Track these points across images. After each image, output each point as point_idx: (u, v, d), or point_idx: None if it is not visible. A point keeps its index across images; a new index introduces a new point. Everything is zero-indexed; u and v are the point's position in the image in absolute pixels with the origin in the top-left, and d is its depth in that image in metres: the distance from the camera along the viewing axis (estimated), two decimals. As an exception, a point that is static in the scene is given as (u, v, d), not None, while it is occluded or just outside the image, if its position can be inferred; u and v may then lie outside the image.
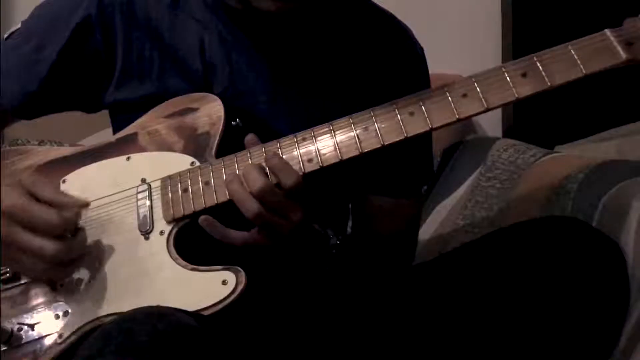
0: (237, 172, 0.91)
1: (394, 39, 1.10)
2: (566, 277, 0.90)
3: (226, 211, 0.94)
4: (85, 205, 0.92)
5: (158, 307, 0.84)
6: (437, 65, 1.27)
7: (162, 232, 0.93)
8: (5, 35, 1.11)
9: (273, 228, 0.89)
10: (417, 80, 1.11)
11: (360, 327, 1.00)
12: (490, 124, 1.82)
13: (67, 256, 0.89)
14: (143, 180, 0.97)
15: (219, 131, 0.98)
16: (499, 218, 1.35)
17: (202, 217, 0.90)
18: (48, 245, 0.87)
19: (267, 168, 0.89)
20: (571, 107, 1.71)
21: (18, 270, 0.94)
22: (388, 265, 1.11)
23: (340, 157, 0.91)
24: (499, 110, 1.84)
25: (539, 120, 1.80)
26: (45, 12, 1.09)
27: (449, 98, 0.89)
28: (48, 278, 0.93)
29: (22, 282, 0.96)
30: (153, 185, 0.96)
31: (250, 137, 0.93)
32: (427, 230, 1.54)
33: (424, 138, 1.01)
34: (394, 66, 1.09)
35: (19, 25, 1.10)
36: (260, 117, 1.02)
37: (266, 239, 0.90)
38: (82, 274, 0.93)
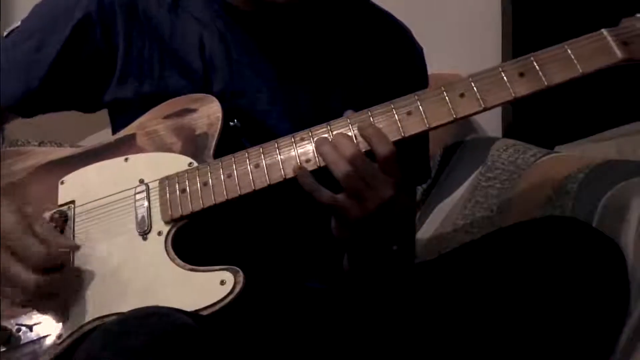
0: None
1: (394, 39, 1.11)
2: (566, 277, 0.90)
3: (226, 211, 0.94)
4: (76, 248, 0.93)
5: (156, 307, 0.84)
6: (436, 65, 1.27)
7: (160, 233, 0.93)
8: (5, 33, 1.11)
9: (361, 198, 0.88)
10: (416, 79, 1.11)
11: (360, 326, 1.00)
12: (490, 124, 1.81)
13: (48, 290, 0.89)
14: (141, 181, 0.97)
15: (217, 132, 0.98)
16: (499, 218, 1.35)
17: (297, 166, 0.90)
18: (30, 278, 0.87)
19: (358, 137, 0.89)
20: (571, 107, 1.71)
21: (4, 294, 0.92)
22: (387, 266, 1.11)
23: None
24: (499, 110, 1.84)
25: (539, 120, 1.80)
26: (45, 10, 1.09)
27: (447, 98, 0.89)
28: (22, 305, 0.92)
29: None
30: (151, 186, 0.96)
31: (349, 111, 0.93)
32: (427, 230, 1.54)
33: (421, 137, 1.01)
34: (394, 66, 1.09)
35: (18, 24, 1.11)
36: (260, 116, 1.03)
37: (352, 209, 0.89)
38: (81, 275, 0.93)
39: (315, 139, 0.91)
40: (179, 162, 0.97)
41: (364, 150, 0.88)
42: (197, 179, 0.94)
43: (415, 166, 1.12)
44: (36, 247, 0.87)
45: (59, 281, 0.90)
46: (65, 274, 0.91)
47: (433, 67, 1.18)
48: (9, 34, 1.10)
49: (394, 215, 0.91)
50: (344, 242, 0.97)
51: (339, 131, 0.91)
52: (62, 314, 0.91)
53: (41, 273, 0.88)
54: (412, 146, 1.02)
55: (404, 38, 1.12)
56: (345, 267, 1.03)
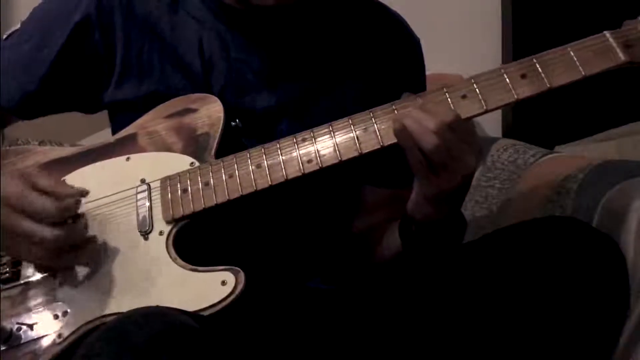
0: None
1: (391, 31, 1.10)
2: (566, 277, 0.90)
3: (227, 212, 0.94)
4: (85, 193, 0.93)
5: (157, 307, 0.85)
6: (437, 65, 1.27)
7: (161, 233, 0.93)
8: (5, 36, 1.11)
9: (448, 170, 0.88)
10: (413, 71, 1.11)
11: (359, 325, 1.00)
12: (490, 124, 1.81)
13: (67, 242, 0.90)
14: (142, 181, 0.97)
15: (219, 132, 0.98)
16: (499, 218, 1.35)
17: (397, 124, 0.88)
18: (46, 232, 0.87)
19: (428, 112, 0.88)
20: (571, 107, 1.71)
21: (19, 256, 0.94)
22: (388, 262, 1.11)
23: (339, 158, 0.91)
24: (499, 110, 1.84)
25: (539, 120, 1.80)
26: (44, 12, 1.09)
27: (449, 99, 0.89)
28: (48, 265, 0.93)
29: (22, 282, 0.96)
30: (152, 185, 0.96)
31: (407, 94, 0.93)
32: (427, 230, 1.54)
33: None
34: (391, 59, 1.09)
35: (18, 26, 1.11)
36: (260, 115, 1.03)
37: (440, 181, 0.89)
38: (82, 274, 0.93)
39: (395, 115, 0.90)
40: (181, 162, 0.97)
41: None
42: (199, 179, 0.94)
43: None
44: (43, 201, 0.87)
45: (76, 231, 0.91)
46: (78, 225, 0.92)
47: (433, 67, 1.18)
48: (8, 36, 1.10)
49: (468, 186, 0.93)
50: (421, 219, 0.96)
51: (340, 132, 0.91)
52: (86, 264, 0.92)
53: (56, 226, 0.88)
54: None
55: (400, 30, 1.12)
56: (392, 250, 1.03)
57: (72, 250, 0.91)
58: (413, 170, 0.91)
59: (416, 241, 0.98)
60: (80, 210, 0.97)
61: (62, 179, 1.00)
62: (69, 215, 0.90)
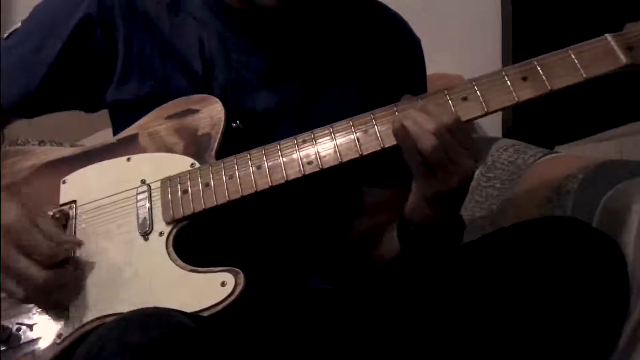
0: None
1: (391, 32, 1.10)
2: (566, 277, 0.90)
3: (227, 213, 0.94)
4: (79, 244, 0.93)
5: (157, 308, 0.85)
6: (437, 65, 1.27)
7: (161, 233, 0.93)
8: (5, 35, 1.11)
9: (445, 171, 0.88)
10: (414, 72, 1.11)
11: (359, 326, 1.00)
12: (490, 124, 1.82)
13: (54, 285, 0.90)
14: (143, 181, 0.97)
15: (220, 133, 0.98)
16: (499, 218, 1.35)
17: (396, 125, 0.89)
18: (39, 274, 0.88)
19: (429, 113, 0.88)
20: (571, 107, 1.71)
21: (7, 289, 0.92)
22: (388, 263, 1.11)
23: (340, 160, 0.91)
24: (500, 111, 1.84)
25: (539, 120, 1.80)
26: (45, 11, 1.09)
27: (450, 101, 0.90)
28: (32, 302, 0.93)
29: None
30: (153, 186, 0.96)
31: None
32: (427, 230, 1.54)
33: None
34: (392, 60, 1.09)
35: (19, 25, 1.10)
36: (261, 116, 1.02)
37: (437, 183, 0.89)
38: (82, 274, 0.93)
39: (395, 116, 0.90)
40: (181, 163, 0.97)
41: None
42: (199, 180, 0.94)
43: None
44: (43, 242, 0.88)
45: (64, 276, 0.90)
46: (69, 269, 0.91)
47: (434, 67, 1.18)
48: (9, 35, 1.10)
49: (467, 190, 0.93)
50: (419, 221, 0.96)
51: (340, 133, 0.91)
52: (64, 309, 0.91)
53: (47, 268, 0.88)
54: None
55: (401, 32, 1.12)
56: (391, 252, 1.03)
57: (55, 293, 0.91)
58: (412, 171, 0.91)
59: (414, 243, 0.98)
60: (81, 210, 0.98)
61: (63, 179, 1.00)
62: (60, 260, 0.90)
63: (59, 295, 0.91)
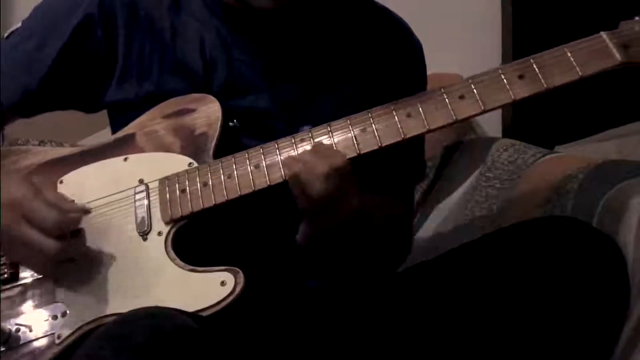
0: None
1: (392, 32, 1.11)
2: (566, 277, 0.90)
3: (226, 212, 0.94)
4: (87, 211, 0.94)
5: (156, 307, 0.85)
6: (436, 65, 1.27)
7: (160, 233, 0.93)
8: (6, 34, 1.11)
9: (332, 212, 0.91)
10: (415, 75, 1.11)
11: (359, 326, 1.00)
12: (490, 124, 1.81)
13: (65, 255, 0.90)
14: (141, 181, 0.97)
15: (217, 132, 0.98)
16: (499, 218, 1.35)
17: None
18: (49, 244, 0.88)
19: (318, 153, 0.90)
20: (571, 107, 1.71)
21: (17, 260, 0.95)
22: (380, 264, 1.11)
23: None
24: (499, 110, 1.84)
25: (539, 120, 1.79)
26: (45, 11, 1.09)
27: (447, 100, 0.90)
28: (42, 272, 0.94)
29: (21, 282, 0.96)
30: (151, 186, 0.96)
31: None
32: (427, 230, 1.54)
33: (417, 138, 1.01)
34: (392, 60, 1.09)
35: (19, 24, 1.11)
36: (260, 116, 1.03)
37: (322, 222, 0.93)
38: (81, 274, 0.93)
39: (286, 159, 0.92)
40: (179, 162, 0.97)
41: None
42: (197, 179, 0.94)
43: (411, 164, 1.12)
44: (51, 213, 0.88)
45: (75, 245, 0.91)
46: (79, 238, 0.92)
47: (433, 67, 1.17)
48: (9, 35, 1.10)
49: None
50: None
51: (338, 132, 0.91)
52: (79, 281, 0.92)
53: (57, 239, 0.88)
54: (407, 144, 1.01)
55: (401, 30, 1.12)
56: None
57: (68, 262, 0.92)
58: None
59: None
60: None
61: (60, 179, 1.00)
62: (71, 229, 0.91)
63: (68, 265, 0.91)
